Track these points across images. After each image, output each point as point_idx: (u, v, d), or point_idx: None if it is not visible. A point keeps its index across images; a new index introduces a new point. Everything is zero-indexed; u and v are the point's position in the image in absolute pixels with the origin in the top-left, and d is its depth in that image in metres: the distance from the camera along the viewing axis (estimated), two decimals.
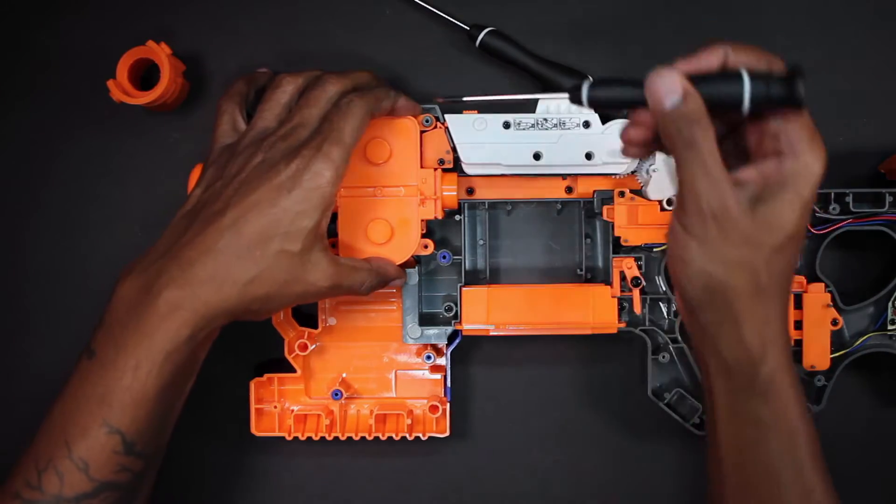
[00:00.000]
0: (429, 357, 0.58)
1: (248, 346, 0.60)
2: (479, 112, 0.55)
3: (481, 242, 0.59)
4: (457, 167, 0.56)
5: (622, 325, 0.57)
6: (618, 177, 0.56)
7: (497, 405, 0.61)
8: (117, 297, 0.48)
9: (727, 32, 0.60)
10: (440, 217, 0.56)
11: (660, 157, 0.55)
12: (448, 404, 0.58)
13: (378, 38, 0.61)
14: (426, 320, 0.58)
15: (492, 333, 0.57)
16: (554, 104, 0.55)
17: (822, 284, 0.57)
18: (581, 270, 0.59)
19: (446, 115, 0.55)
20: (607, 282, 0.57)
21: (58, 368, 0.49)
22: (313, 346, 0.59)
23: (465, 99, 0.52)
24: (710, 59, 0.42)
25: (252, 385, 0.58)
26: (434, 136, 0.56)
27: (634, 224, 0.56)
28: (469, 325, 0.57)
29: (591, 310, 0.57)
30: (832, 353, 0.57)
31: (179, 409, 0.51)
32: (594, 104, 0.44)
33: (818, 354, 0.57)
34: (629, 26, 0.61)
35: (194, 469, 0.61)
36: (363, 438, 0.58)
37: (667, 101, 0.41)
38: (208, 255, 0.47)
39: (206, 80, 0.61)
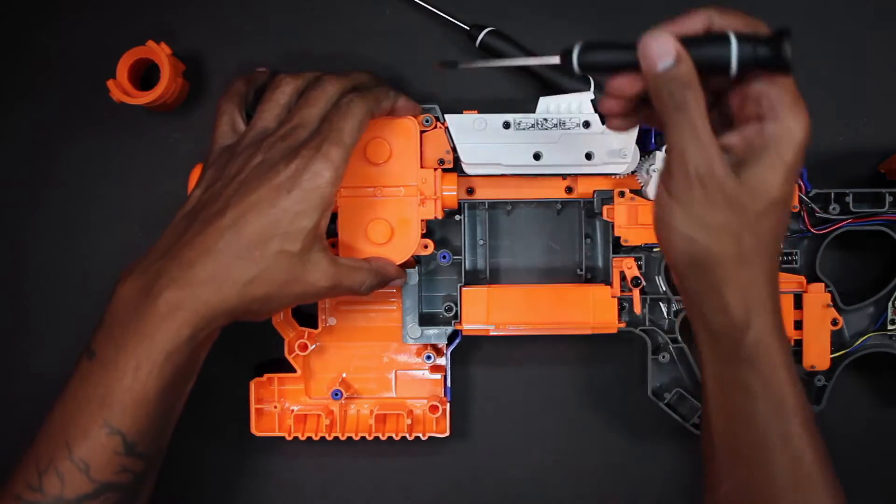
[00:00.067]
0: (429, 357, 0.58)
1: (248, 346, 0.60)
2: (479, 112, 0.55)
3: (481, 242, 0.59)
4: (457, 167, 0.56)
5: (622, 325, 0.57)
6: (618, 177, 0.56)
7: (497, 405, 0.61)
8: (117, 297, 0.48)
9: None
10: (440, 217, 0.56)
11: (660, 157, 0.55)
12: (448, 404, 0.58)
13: (378, 38, 0.61)
14: (426, 320, 0.58)
15: (492, 333, 0.57)
16: (554, 104, 0.55)
17: (822, 284, 0.57)
18: (581, 270, 0.59)
19: (446, 115, 0.55)
20: (607, 282, 0.57)
21: (58, 368, 0.49)
22: (313, 346, 0.59)
23: (461, 66, 0.50)
24: (694, 22, 0.42)
25: (252, 385, 0.58)
26: (434, 135, 0.56)
27: (634, 224, 0.56)
28: (469, 325, 0.57)
29: (591, 310, 0.57)
30: (832, 353, 0.57)
31: (180, 409, 0.51)
32: (585, 68, 0.43)
33: (818, 354, 0.57)
34: (629, 26, 0.61)
35: (194, 469, 0.61)
36: (363, 438, 0.58)
37: (660, 63, 0.41)
38: (208, 255, 0.47)
39: (206, 80, 0.61)
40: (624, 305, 0.58)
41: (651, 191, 0.55)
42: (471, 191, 0.58)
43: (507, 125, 0.55)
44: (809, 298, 0.57)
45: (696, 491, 0.57)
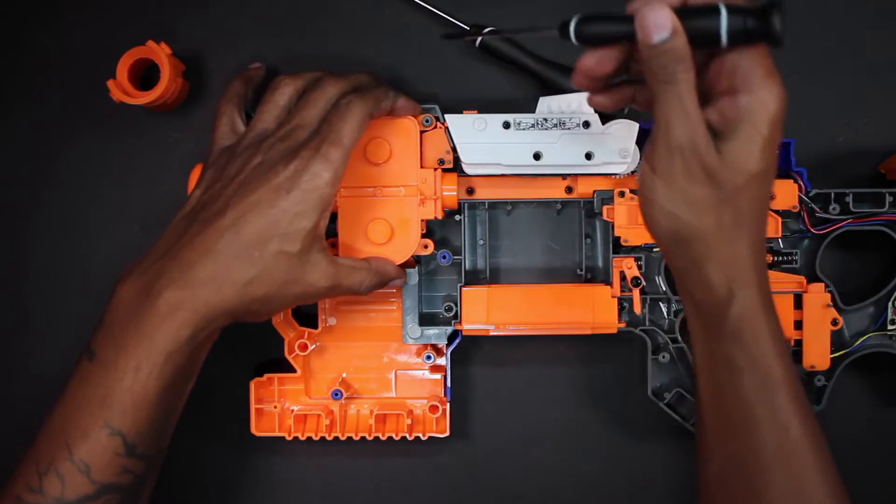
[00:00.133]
0: (429, 357, 0.58)
1: (247, 346, 0.60)
2: (479, 112, 0.55)
3: (481, 242, 0.59)
4: (457, 167, 0.56)
5: (622, 325, 0.57)
6: (618, 177, 0.56)
7: (497, 405, 0.61)
8: (117, 298, 0.48)
9: None
10: (440, 217, 0.56)
11: None
12: (448, 404, 0.58)
13: (378, 39, 0.61)
14: (426, 320, 0.58)
15: (492, 333, 0.57)
16: (554, 104, 0.55)
17: (822, 284, 0.57)
18: (581, 270, 0.59)
19: (446, 115, 0.55)
20: (607, 282, 0.57)
21: (58, 368, 0.49)
22: (313, 346, 0.59)
23: (466, 38, 0.51)
24: None
25: (252, 385, 0.58)
26: (434, 135, 0.56)
27: (634, 224, 0.56)
28: (469, 325, 0.57)
29: (591, 310, 0.57)
30: (832, 353, 0.57)
31: (180, 410, 0.51)
32: (582, 39, 0.44)
33: (818, 354, 0.57)
34: None
35: (195, 469, 0.61)
36: (363, 438, 0.58)
37: (656, 35, 0.41)
38: (208, 255, 0.47)
39: (206, 80, 0.61)
40: (624, 305, 0.58)
41: None
42: (471, 191, 0.58)
43: (507, 125, 0.55)
44: (809, 298, 0.57)
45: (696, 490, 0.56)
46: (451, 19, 0.59)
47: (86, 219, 0.61)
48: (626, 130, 0.54)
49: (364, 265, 0.53)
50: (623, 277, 0.57)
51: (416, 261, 0.58)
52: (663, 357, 0.57)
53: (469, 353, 0.61)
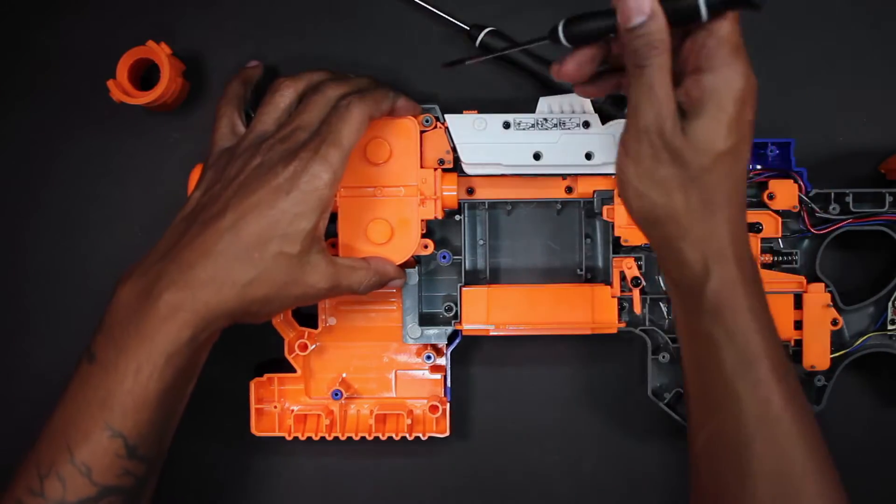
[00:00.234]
0: (429, 357, 0.58)
1: (247, 346, 0.60)
2: (479, 112, 0.55)
3: (481, 242, 0.59)
4: (457, 167, 0.56)
5: (622, 325, 0.57)
6: None
7: (497, 405, 0.61)
8: (117, 300, 0.48)
9: None
10: (440, 217, 0.56)
11: None
12: (448, 404, 0.58)
13: (378, 38, 0.61)
14: (426, 320, 0.58)
15: (492, 333, 0.57)
16: (555, 104, 0.55)
17: (822, 284, 0.57)
18: (581, 270, 0.59)
19: (446, 115, 0.55)
20: (607, 282, 0.57)
21: (58, 369, 0.49)
22: (313, 346, 0.59)
23: (466, 63, 0.53)
24: None
25: (252, 385, 0.58)
26: (434, 135, 0.56)
27: (634, 224, 0.56)
28: (469, 325, 0.57)
29: (591, 310, 0.57)
30: (832, 353, 0.57)
31: (181, 412, 0.51)
32: (572, 40, 0.45)
33: (818, 354, 0.57)
34: None
35: (195, 469, 0.61)
36: (363, 438, 0.58)
37: (633, 19, 0.41)
38: (207, 257, 0.47)
39: (206, 80, 0.61)
40: (624, 305, 0.58)
41: None
42: (471, 191, 0.58)
43: (507, 125, 0.55)
44: (809, 298, 0.57)
45: None
46: (451, 19, 0.59)
47: (86, 219, 0.61)
48: None
49: (363, 265, 0.53)
50: (623, 277, 0.57)
51: (416, 261, 0.58)
52: (663, 357, 0.57)
53: (469, 353, 0.61)
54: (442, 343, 0.58)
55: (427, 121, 0.56)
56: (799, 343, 0.57)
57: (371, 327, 0.59)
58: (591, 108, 0.55)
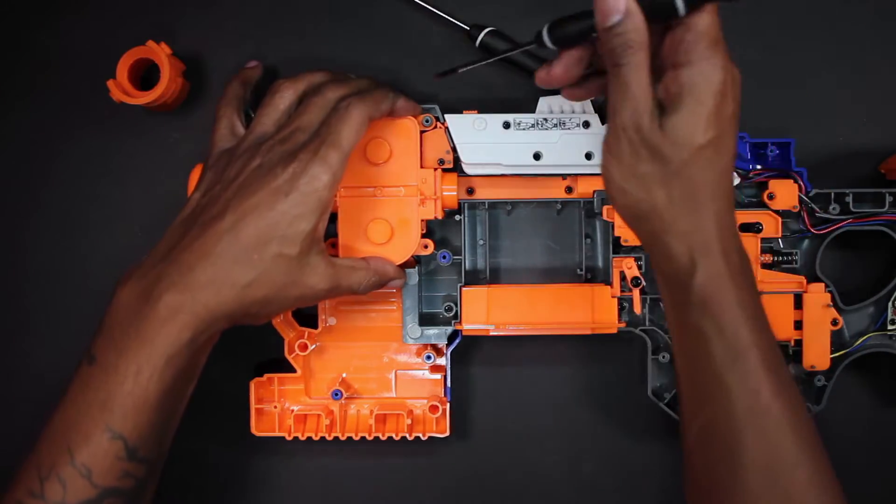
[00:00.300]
0: (429, 357, 0.58)
1: (247, 346, 0.60)
2: (479, 112, 0.55)
3: (481, 242, 0.59)
4: (457, 167, 0.56)
5: (622, 325, 0.57)
6: None
7: (497, 405, 0.61)
8: (117, 302, 0.48)
9: (726, 32, 0.60)
10: (440, 217, 0.56)
11: None
12: (448, 404, 0.58)
13: (378, 38, 0.61)
14: (426, 320, 0.58)
15: (492, 333, 0.57)
16: (555, 104, 0.55)
17: (822, 284, 0.57)
18: (581, 270, 0.59)
19: (446, 115, 0.55)
20: (607, 282, 0.57)
21: (58, 369, 0.49)
22: (313, 346, 0.59)
23: (459, 70, 0.53)
24: None
25: (252, 385, 0.58)
26: (434, 136, 0.56)
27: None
28: (469, 325, 0.57)
29: (591, 310, 0.57)
30: (832, 353, 0.57)
31: (181, 413, 0.51)
32: (557, 42, 0.46)
33: (818, 354, 0.57)
34: None
35: (195, 469, 0.61)
36: (363, 438, 0.58)
37: (611, 17, 0.42)
38: (207, 259, 0.47)
39: (206, 80, 0.61)
40: (624, 305, 0.58)
41: None
42: (471, 191, 0.58)
43: (507, 125, 0.55)
44: (809, 298, 0.57)
45: None
46: (451, 19, 0.59)
47: (86, 219, 0.61)
48: None
49: (363, 265, 0.53)
50: (623, 277, 0.57)
51: (416, 261, 0.58)
52: (663, 357, 0.57)
53: (469, 353, 0.61)
54: (442, 343, 0.58)
55: (427, 121, 0.56)
56: (799, 343, 0.57)
57: (371, 327, 0.59)
58: (592, 108, 0.55)
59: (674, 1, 0.41)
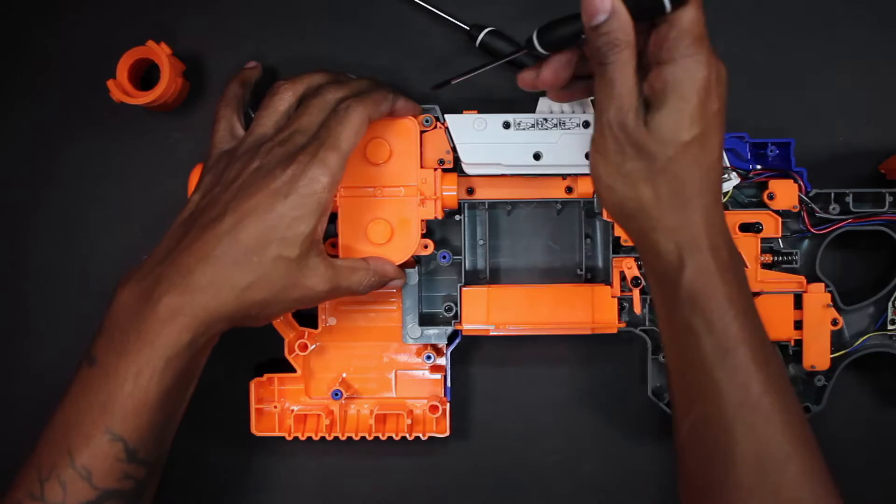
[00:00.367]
0: (429, 357, 0.58)
1: (247, 346, 0.60)
2: (479, 112, 0.55)
3: (481, 242, 0.59)
4: (457, 167, 0.56)
5: (622, 325, 0.57)
6: None
7: (497, 405, 0.61)
8: (117, 304, 0.48)
9: (726, 32, 0.60)
10: (440, 217, 0.56)
11: None
12: (448, 404, 0.58)
13: (378, 38, 0.61)
14: (426, 320, 0.58)
15: (492, 333, 0.57)
16: (556, 104, 0.55)
17: (822, 284, 0.57)
18: (581, 270, 0.59)
19: (446, 115, 0.55)
20: (607, 282, 0.57)
21: (58, 369, 0.49)
22: (313, 346, 0.59)
23: (453, 82, 0.53)
24: None
25: (252, 385, 0.58)
26: (434, 136, 0.56)
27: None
28: (469, 325, 0.57)
29: (591, 310, 0.57)
30: (832, 353, 0.57)
31: (181, 415, 0.51)
32: (548, 47, 0.46)
33: (818, 354, 0.57)
34: None
35: (195, 469, 0.61)
36: (363, 438, 0.58)
37: (597, 17, 0.42)
38: (206, 261, 0.47)
39: (206, 80, 0.61)
40: (624, 305, 0.58)
41: None
42: (471, 191, 0.58)
43: (507, 125, 0.55)
44: (809, 298, 0.57)
45: None
46: (452, 19, 0.59)
47: (86, 219, 0.61)
48: None
49: (363, 265, 0.53)
50: (623, 277, 0.57)
51: (416, 261, 0.58)
52: (663, 357, 0.57)
53: (469, 353, 0.61)
54: (442, 343, 0.58)
55: (427, 121, 0.56)
56: (799, 343, 0.57)
57: (371, 327, 0.59)
58: (592, 108, 0.55)
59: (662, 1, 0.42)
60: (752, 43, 0.60)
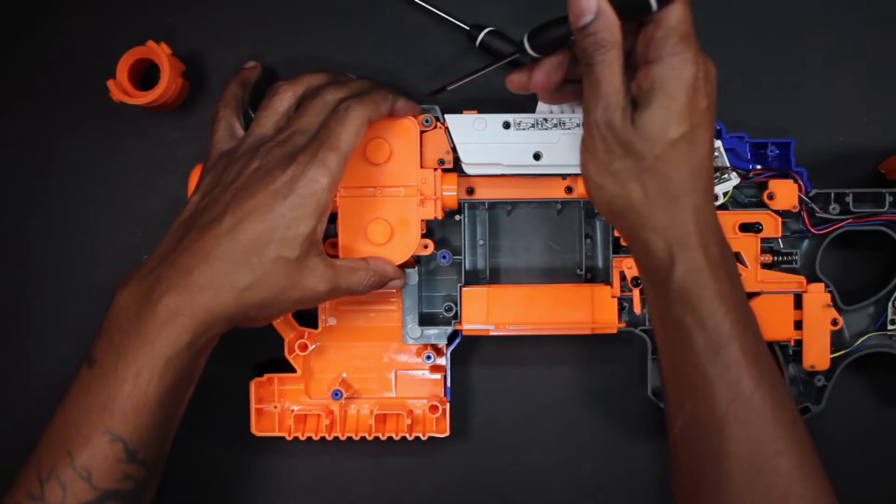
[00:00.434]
0: (429, 357, 0.58)
1: (247, 346, 0.60)
2: (479, 112, 0.55)
3: (481, 242, 0.59)
4: (457, 167, 0.56)
5: (622, 325, 0.57)
6: None
7: (497, 405, 0.61)
8: (117, 304, 0.48)
9: (727, 31, 0.60)
10: (440, 217, 0.56)
11: None
12: (448, 404, 0.58)
13: (378, 39, 0.61)
14: (426, 320, 0.58)
15: (492, 333, 0.57)
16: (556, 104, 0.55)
17: (822, 284, 0.57)
18: (581, 270, 0.59)
19: (446, 115, 0.55)
20: (607, 282, 0.57)
21: (58, 369, 0.50)
22: (313, 346, 0.59)
23: (449, 87, 0.53)
24: None
25: (252, 385, 0.58)
26: (434, 136, 0.56)
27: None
28: (469, 325, 0.57)
29: (591, 310, 0.57)
30: (832, 353, 0.57)
31: (180, 416, 0.51)
32: (539, 50, 0.47)
33: (818, 354, 0.57)
34: None
35: (195, 469, 0.61)
36: (363, 438, 0.58)
37: (583, 17, 0.42)
38: (206, 261, 0.47)
39: (206, 80, 0.61)
40: (624, 305, 0.58)
41: None
42: (471, 191, 0.58)
43: (507, 125, 0.55)
44: (809, 298, 0.57)
45: None
46: (452, 19, 0.59)
47: (86, 219, 0.61)
48: None
49: (362, 265, 0.53)
50: (623, 277, 0.57)
51: (416, 261, 0.58)
52: None
53: (469, 353, 0.61)
54: (442, 343, 0.58)
55: (427, 121, 0.56)
56: (799, 343, 0.57)
57: (371, 327, 0.59)
58: None
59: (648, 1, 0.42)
60: (752, 43, 0.60)
